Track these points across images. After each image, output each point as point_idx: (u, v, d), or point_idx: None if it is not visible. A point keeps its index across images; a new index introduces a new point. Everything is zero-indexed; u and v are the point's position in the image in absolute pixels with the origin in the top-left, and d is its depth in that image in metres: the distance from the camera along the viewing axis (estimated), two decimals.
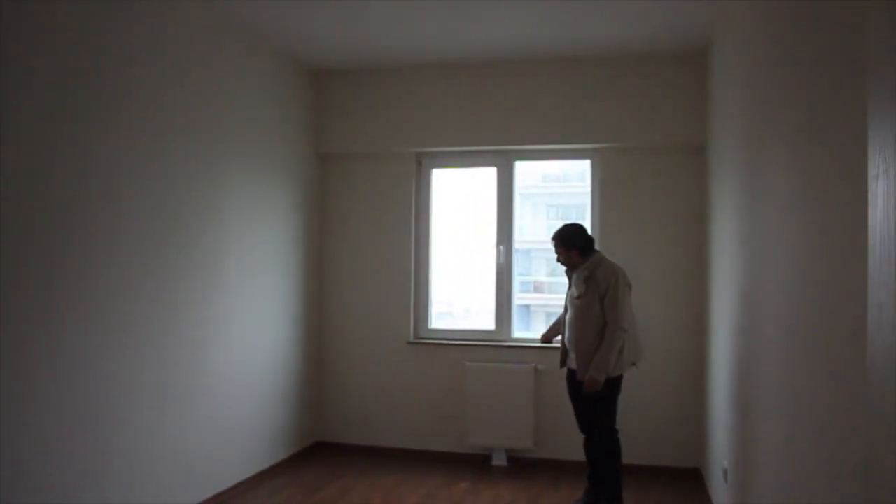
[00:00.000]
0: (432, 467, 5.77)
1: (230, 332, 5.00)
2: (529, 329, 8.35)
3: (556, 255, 4.67)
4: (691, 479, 5.40)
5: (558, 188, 11.13)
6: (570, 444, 5.12)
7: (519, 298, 6.49)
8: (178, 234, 4.43)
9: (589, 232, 4.74)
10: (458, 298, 6.91)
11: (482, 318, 6.38)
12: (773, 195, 2.91)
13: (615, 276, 4.50)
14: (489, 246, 6.16)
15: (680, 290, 5.61)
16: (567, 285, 4.74)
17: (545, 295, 9.04)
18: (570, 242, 4.60)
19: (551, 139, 5.88)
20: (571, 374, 4.66)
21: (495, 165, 6.14)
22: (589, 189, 5.99)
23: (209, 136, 4.75)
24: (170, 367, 4.36)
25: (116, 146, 3.90)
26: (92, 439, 3.74)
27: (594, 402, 4.53)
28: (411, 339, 6.18)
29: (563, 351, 4.73)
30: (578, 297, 4.53)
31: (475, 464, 5.87)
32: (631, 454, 4.87)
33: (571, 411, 4.78)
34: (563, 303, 4.84)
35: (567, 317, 4.65)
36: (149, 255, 4.17)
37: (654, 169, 5.75)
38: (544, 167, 10.05)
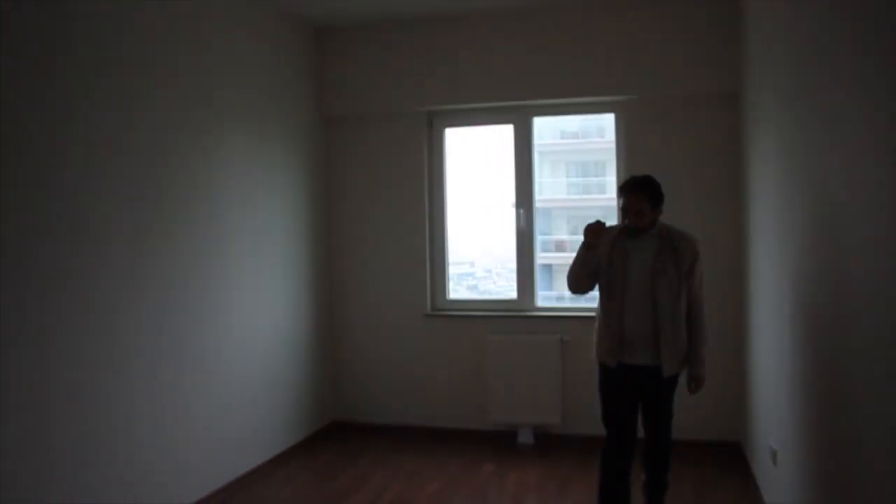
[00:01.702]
0: (454, 447, 5.44)
1: (230, 311, 4.64)
2: (552, 288, 8.00)
3: (632, 212, 3.54)
4: (732, 455, 5.04)
5: (577, 145, 10.78)
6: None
7: (540, 258, 6.22)
8: (165, 209, 4.05)
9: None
10: (479, 262, 6.57)
11: (504, 280, 6.02)
12: (834, 135, 2.48)
13: (699, 246, 3.66)
14: (508, 208, 5.75)
15: (716, 248, 5.17)
16: (611, 252, 3.62)
17: (568, 254, 9.16)
18: (659, 198, 3.58)
19: (571, 92, 5.42)
20: (634, 372, 3.63)
21: (512, 122, 5.70)
22: (613, 144, 5.55)
23: (198, 99, 4.35)
24: (164, 354, 4.02)
25: (95, 111, 3.52)
26: (76, 436, 3.42)
27: (669, 401, 3.76)
28: (429, 311, 5.82)
29: (618, 341, 3.62)
30: (659, 274, 3.54)
31: (500, 442, 5.53)
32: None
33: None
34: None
35: (631, 298, 3.57)
36: (134, 231, 3.80)
37: (682, 120, 5.28)
38: (562, 123, 9.66)
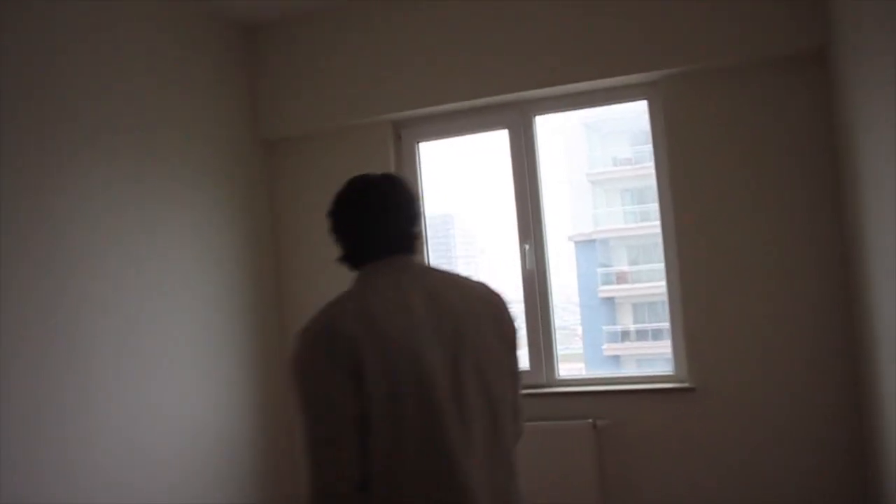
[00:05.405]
0: None
1: (132, 411, 3.16)
2: (617, 322, 6.90)
3: None
4: None
5: (630, 171, 10.12)
6: None
7: (602, 292, 6.05)
8: (43, 276, 2.65)
9: (376, 201, 1.83)
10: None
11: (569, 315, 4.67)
12: None
13: (302, 348, 1.71)
14: (513, 244, 4.20)
15: (815, 277, 3.54)
16: None
17: (630, 285, 8.21)
18: (335, 220, 1.92)
19: (586, 74, 3.84)
20: None
21: (506, 126, 4.15)
22: (650, 148, 3.97)
23: (90, 130, 2.95)
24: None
25: None
26: None
27: None
28: None
29: None
30: None
31: None
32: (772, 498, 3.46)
33: (647, 482, 2.69)
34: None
35: None
36: None
37: (745, 98, 3.67)
38: (614, 150, 9.31)
